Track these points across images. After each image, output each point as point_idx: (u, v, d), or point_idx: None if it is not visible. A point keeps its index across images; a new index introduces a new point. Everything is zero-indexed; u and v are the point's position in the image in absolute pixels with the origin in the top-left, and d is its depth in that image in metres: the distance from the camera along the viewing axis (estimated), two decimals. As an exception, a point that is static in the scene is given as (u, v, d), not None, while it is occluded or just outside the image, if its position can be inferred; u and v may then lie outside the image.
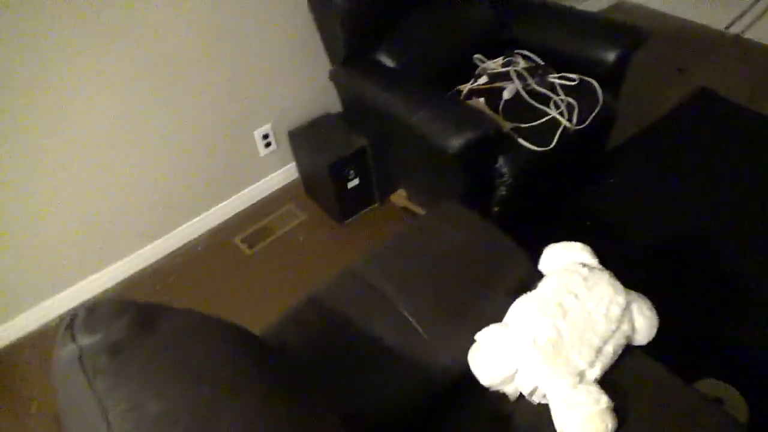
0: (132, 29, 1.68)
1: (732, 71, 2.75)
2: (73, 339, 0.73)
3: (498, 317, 1.13)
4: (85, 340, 0.73)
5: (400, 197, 2.17)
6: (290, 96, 2.20)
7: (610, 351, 1.04)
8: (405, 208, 2.18)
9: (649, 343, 1.12)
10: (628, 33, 1.92)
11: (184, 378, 0.74)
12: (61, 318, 0.79)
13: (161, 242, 2.13)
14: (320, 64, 2.14)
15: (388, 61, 1.94)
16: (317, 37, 1.98)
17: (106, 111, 1.75)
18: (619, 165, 2.29)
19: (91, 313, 0.78)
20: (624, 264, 1.89)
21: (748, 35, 2.96)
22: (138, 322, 0.79)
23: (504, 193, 1.78)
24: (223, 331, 0.87)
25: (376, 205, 2.24)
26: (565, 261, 1.16)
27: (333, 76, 1.99)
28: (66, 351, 0.74)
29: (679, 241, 1.95)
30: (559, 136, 1.77)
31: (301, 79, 2.19)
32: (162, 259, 2.14)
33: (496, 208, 1.83)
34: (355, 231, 2.15)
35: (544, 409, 1.02)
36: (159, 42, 1.75)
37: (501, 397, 1.07)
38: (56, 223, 1.83)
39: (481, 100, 1.88)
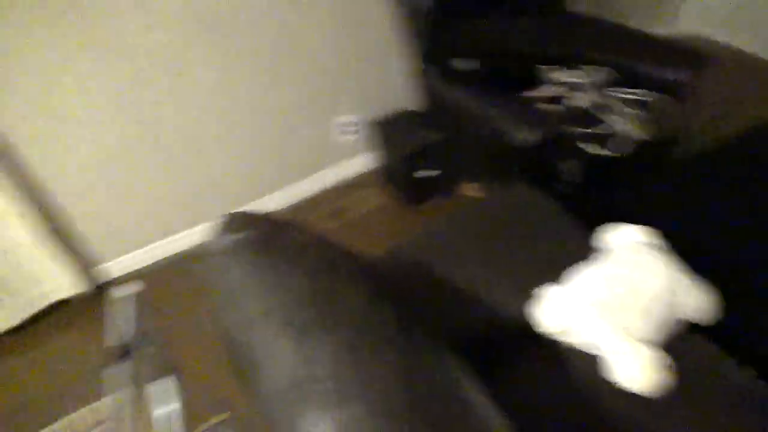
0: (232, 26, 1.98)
1: None
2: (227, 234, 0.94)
3: (557, 280, 1.28)
4: (234, 237, 0.93)
5: (470, 188, 2.37)
6: (374, 88, 2.43)
7: (661, 322, 1.17)
8: (474, 198, 2.37)
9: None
10: (690, 56, 2.06)
11: (308, 272, 0.91)
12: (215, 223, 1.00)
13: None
14: (402, 62, 2.36)
15: (467, 63, 2.13)
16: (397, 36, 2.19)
17: (212, 87, 2.06)
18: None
19: (232, 219, 0.99)
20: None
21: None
22: (271, 230, 0.99)
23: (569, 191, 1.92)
24: (335, 245, 1.06)
25: (449, 194, 2.45)
26: (627, 239, 1.31)
27: (421, 74, 2.18)
28: (220, 244, 0.93)
29: None
30: (626, 145, 1.90)
31: (384, 74, 2.42)
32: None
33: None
34: (428, 216, 2.37)
35: (593, 359, 1.17)
36: (251, 30, 2.03)
37: (555, 343, 1.22)
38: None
39: (551, 105, 2.04)
